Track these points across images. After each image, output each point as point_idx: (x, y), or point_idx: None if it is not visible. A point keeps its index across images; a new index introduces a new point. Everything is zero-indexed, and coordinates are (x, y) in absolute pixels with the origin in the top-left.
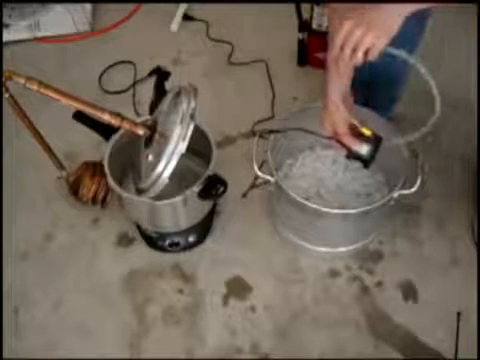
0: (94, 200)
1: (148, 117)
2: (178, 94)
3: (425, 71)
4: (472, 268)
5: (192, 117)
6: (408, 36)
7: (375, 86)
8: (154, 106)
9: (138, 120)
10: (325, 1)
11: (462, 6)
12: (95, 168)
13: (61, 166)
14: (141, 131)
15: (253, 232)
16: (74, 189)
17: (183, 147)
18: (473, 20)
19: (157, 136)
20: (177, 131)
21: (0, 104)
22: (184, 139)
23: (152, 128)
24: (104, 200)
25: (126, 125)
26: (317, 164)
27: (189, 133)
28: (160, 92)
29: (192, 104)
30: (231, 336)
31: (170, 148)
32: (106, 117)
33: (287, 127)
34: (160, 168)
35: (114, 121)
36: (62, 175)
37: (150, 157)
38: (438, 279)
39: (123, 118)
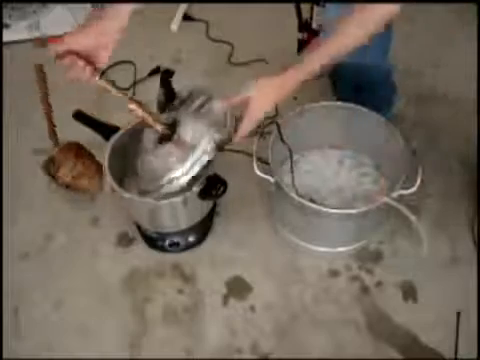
0: (68, 185)
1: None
2: (209, 100)
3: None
4: (472, 268)
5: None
6: (381, 38)
7: (363, 87)
8: (164, 106)
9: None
10: (326, 1)
11: (462, 6)
12: (80, 151)
13: (56, 142)
14: (159, 128)
15: (253, 232)
16: (53, 168)
17: (206, 159)
18: (473, 20)
19: (176, 137)
20: (205, 141)
21: (0, 104)
22: (208, 153)
23: (172, 127)
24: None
25: (148, 117)
26: (322, 162)
27: (212, 148)
28: (169, 92)
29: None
30: (231, 336)
31: (196, 155)
32: (132, 106)
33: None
34: (181, 172)
35: (136, 108)
36: (45, 149)
37: (163, 157)
38: (438, 279)
39: (146, 109)
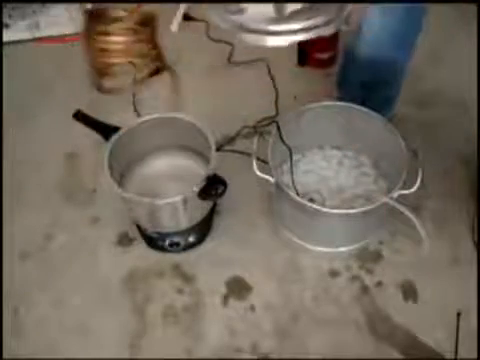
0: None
1: None
2: None
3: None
4: (472, 268)
5: None
6: (405, 36)
7: (371, 86)
8: None
9: None
10: (326, 1)
11: (463, 5)
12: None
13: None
14: None
15: (253, 232)
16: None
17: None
18: (473, 20)
19: None
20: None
21: (0, 104)
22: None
23: None
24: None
25: None
26: (323, 163)
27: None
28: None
29: None
30: (231, 336)
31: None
32: None
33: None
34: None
35: None
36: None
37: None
38: (438, 279)
39: None
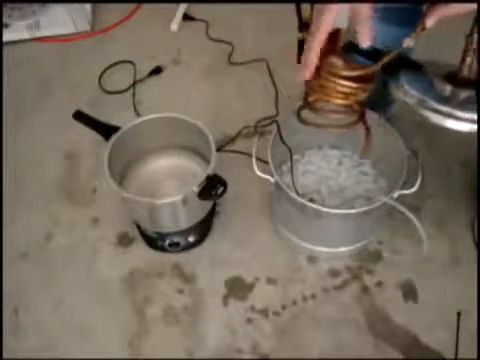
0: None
1: None
2: None
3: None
4: (472, 268)
5: None
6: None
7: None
8: None
9: None
10: (326, 1)
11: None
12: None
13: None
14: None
15: (253, 232)
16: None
17: None
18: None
19: None
20: None
21: (0, 103)
22: None
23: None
24: None
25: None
26: (323, 163)
27: None
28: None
29: None
30: (231, 336)
31: None
32: None
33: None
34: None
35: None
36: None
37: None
38: (438, 279)
39: None
